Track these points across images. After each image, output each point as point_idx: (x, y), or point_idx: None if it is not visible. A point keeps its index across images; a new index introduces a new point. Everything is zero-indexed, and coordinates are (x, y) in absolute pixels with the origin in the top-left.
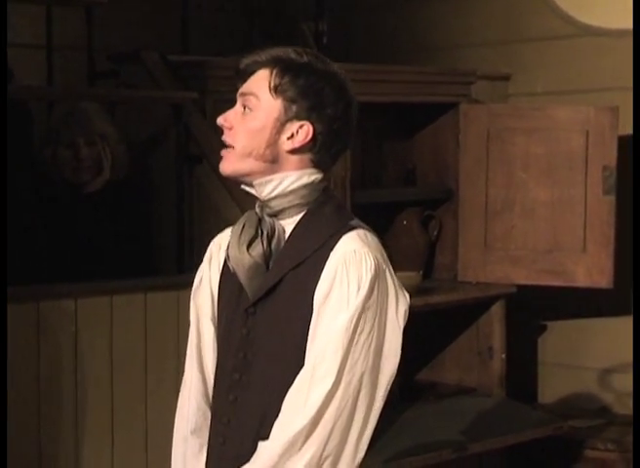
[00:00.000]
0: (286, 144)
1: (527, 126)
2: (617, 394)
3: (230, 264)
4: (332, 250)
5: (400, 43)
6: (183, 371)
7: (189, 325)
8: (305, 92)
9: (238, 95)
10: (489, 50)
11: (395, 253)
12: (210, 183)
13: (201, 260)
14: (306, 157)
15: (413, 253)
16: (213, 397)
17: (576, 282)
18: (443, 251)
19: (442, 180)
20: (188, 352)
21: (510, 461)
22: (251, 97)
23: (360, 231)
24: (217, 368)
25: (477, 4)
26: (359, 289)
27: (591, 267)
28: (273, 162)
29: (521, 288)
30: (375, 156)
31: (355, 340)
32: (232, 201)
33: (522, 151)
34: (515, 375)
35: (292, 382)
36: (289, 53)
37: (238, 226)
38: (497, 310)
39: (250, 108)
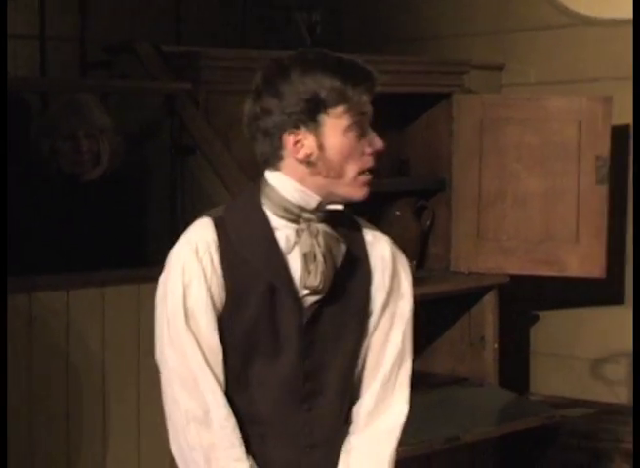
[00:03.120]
0: None
1: (520, 116)
2: (609, 384)
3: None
4: (370, 247)
5: (393, 33)
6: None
7: None
8: None
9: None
10: (482, 40)
11: None
12: (203, 174)
13: None
14: None
15: (405, 244)
16: (270, 414)
17: (568, 272)
18: (436, 241)
19: (435, 171)
20: (196, 373)
21: (502, 451)
22: None
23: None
24: (266, 389)
25: None
26: (409, 279)
27: (584, 257)
28: None
29: (513, 278)
30: None
31: None
32: (225, 191)
33: (515, 141)
34: (507, 365)
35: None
36: None
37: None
38: (489, 300)
39: None
